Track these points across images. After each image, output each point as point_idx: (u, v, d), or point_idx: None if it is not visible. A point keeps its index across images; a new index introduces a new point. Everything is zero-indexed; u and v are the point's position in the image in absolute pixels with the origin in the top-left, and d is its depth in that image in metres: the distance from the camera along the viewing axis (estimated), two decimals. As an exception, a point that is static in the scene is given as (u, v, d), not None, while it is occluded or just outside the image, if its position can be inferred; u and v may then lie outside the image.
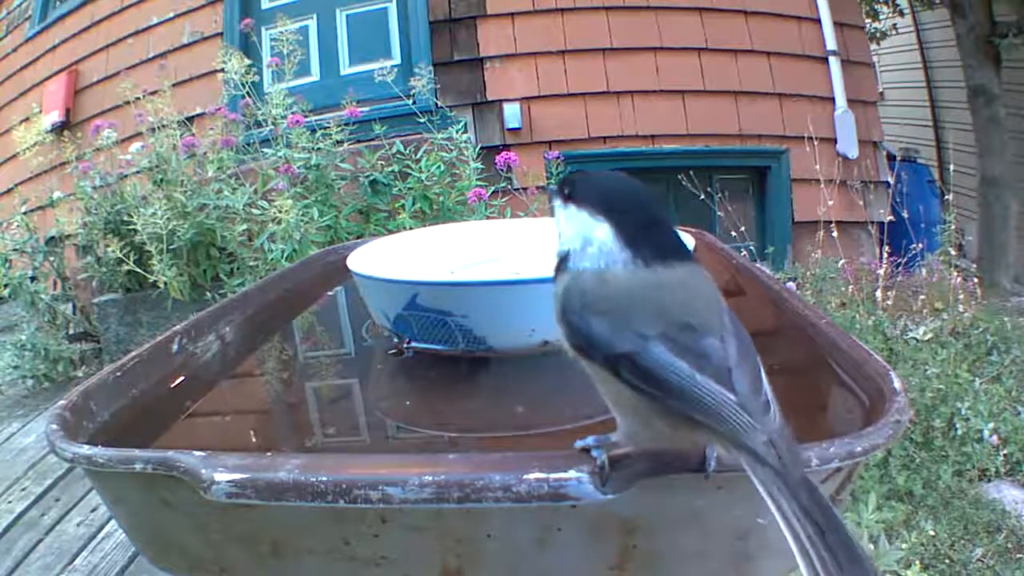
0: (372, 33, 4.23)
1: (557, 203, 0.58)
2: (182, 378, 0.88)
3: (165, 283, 3.10)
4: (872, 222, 3.97)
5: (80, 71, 4.76)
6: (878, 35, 7.41)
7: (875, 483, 2.22)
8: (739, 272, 1.15)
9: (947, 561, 2.01)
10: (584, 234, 0.54)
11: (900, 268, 3.40)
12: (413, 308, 0.88)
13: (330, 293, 1.31)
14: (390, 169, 3.34)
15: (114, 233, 3.26)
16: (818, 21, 4.24)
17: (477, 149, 3.39)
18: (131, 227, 3.10)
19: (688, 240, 0.57)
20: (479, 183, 3.17)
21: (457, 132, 3.34)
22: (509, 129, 4.00)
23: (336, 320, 1.26)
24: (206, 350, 0.95)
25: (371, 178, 3.32)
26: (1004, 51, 5.38)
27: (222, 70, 3.49)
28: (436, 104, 3.69)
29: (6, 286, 3.45)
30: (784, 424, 0.49)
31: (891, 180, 4.25)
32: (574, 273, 0.54)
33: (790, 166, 4.20)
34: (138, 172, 3.43)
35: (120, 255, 3.09)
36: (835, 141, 4.20)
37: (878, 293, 3.23)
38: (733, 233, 3.69)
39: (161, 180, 3.28)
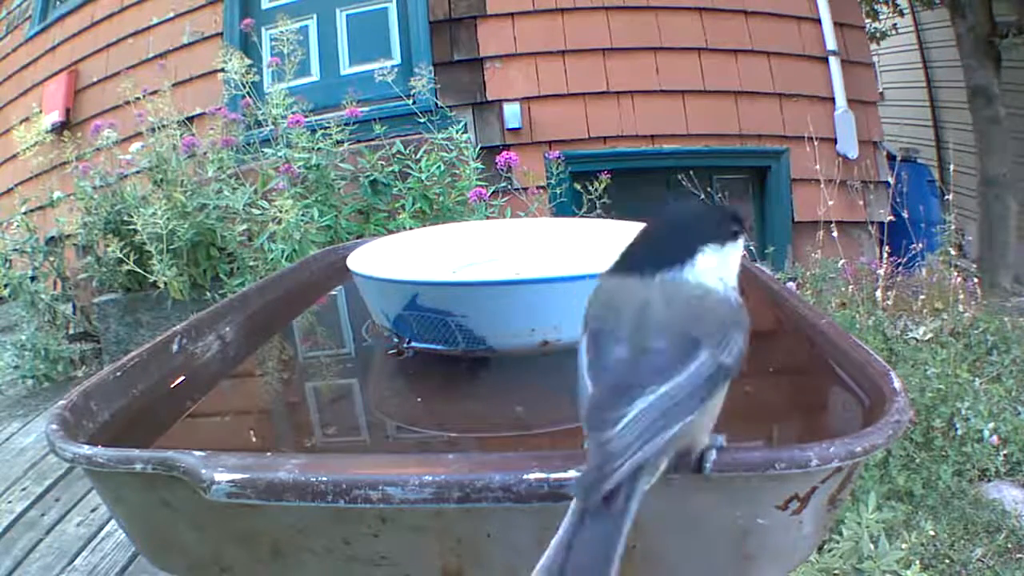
0: (372, 33, 4.23)
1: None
2: (182, 378, 0.88)
3: (165, 283, 3.10)
4: (872, 222, 3.97)
5: (80, 71, 4.76)
6: (878, 35, 7.41)
7: (875, 483, 2.22)
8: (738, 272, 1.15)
9: (947, 561, 2.01)
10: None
11: (900, 268, 3.40)
12: (413, 308, 0.88)
13: (331, 293, 1.31)
14: (390, 169, 3.34)
15: (114, 233, 3.26)
16: (818, 21, 4.24)
17: (477, 149, 3.39)
18: (131, 227, 3.10)
19: (707, 260, 0.57)
20: (479, 183, 3.17)
21: (457, 132, 3.34)
22: (509, 129, 4.00)
23: (336, 320, 1.26)
24: (206, 350, 0.95)
25: (371, 178, 3.32)
26: (1004, 51, 5.38)
27: (222, 70, 3.49)
28: (436, 104, 3.69)
29: (6, 286, 3.46)
30: (630, 450, 0.47)
31: (891, 180, 4.24)
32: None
33: (790, 166, 4.20)
34: (138, 172, 3.43)
35: (120, 255, 3.09)
36: (835, 141, 4.20)
37: (878, 293, 3.22)
38: (733, 233, 3.69)
39: (161, 180, 3.28)
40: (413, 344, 0.92)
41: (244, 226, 3.10)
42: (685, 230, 0.58)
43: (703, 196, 3.83)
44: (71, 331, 3.62)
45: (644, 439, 0.47)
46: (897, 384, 0.63)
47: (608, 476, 0.46)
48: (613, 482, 0.46)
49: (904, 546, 1.74)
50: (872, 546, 1.61)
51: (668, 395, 0.49)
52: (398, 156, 3.38)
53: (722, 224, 0.59)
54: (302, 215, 2.90)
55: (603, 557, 0.45)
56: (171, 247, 3.10)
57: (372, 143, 3.42)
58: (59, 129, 4.36)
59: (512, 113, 3.99)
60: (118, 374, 0.78)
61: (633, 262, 0.57)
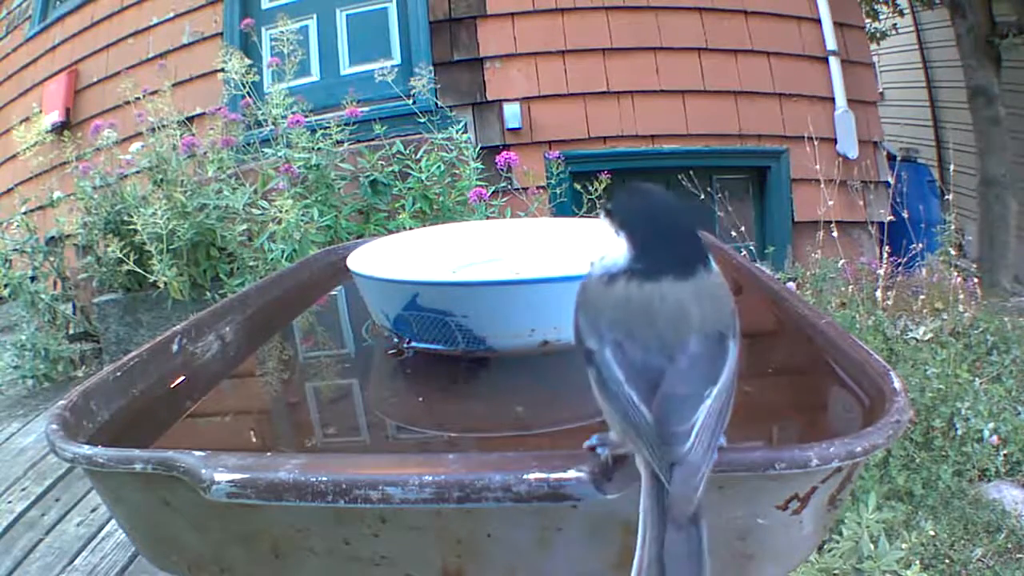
0: (372, 33, 4.23)
1: (602, 214, 0.60)
2: (182, 378, 0.88)
3: (165, 283, 3.10)
4: (872, 222, 3.97)
5: (80, 71, 4.75)
6: (878, 35, 7.41)
7: (875, 483, 2.22)
8: (739, 272, 1.15)
9: (947, 561, 2.01)
10: (605, 244, 0.57)
11: (900, 268, 3.40)
12: (413, 308, 0.88)
13: (331, 293, 1.31)
14: (390, 169, 3.34)
15: (114, 233, 3.26)
16: (818, 21, 4.24)
17: (477, 149, 3.39)
18: (131, 227, 3.10)
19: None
20: (479, 183, 3.17)
21: (457, 132, 3.34)
22: (509, 129, 4.00)
23: (336, 320, 1.26)
24: (206, 350, 0.95)
25: (371, 178, 3.32)
26: (1004, 51, 5.39)
27: (222, 70, 3.49)
28: (436, 104, 3.69)
29: (6, 286, 3.46)
30: (704, 460, 0.48)
31: (891, 180, 4.25)
32: (587, 275, 0.57)
33: (790, 166, 4.20)
34: (138, 172, 3.43)
35: (120, 255, 3.09)
36: (835, 141, 4.20)
37: (878, 293, 3.22)
38: (733, 233, 3.69)
39: (161, 180, 3.28)
40: (413, 344, 0.92)
41: (244, 226, 3.10)
42: (688, 223, 0.56)
43: (703, 196, 3.83)
44: (71, 331, 3.62)
45: (712, 447, 0.49)
46: (897, 384, 0.63)
47: (696, 490, 0.47)
48: (700, 495, 0.47)
49: (904, 546, 1.74)
50: (872, 546, 1.61)
51: (717, 398, 0.50)
52: (398, 156, 3.38)
53: (697, 208, 0.59)
54: (302, 215, 2.90)
55: (696, 560, 0.47)
56: (171, 247, 3.10)
57: (372, 143, 3.42)
58: (59, 129, 4.36)
59: (512, 113, 3.99)
60: (118, 374, 0.78)
61: (657, 265, 0.53)
